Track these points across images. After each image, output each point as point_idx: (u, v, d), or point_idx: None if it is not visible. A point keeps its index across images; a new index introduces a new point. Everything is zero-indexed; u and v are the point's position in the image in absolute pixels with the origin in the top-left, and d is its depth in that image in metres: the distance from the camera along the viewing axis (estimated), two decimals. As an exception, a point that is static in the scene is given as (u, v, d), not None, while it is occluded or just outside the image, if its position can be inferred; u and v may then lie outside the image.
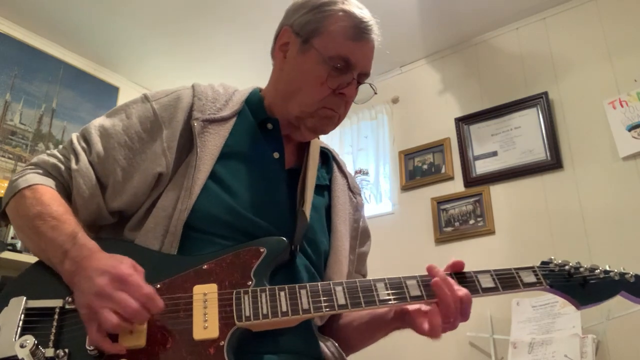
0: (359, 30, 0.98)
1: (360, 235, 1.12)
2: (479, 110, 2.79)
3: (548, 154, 2.50)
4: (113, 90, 3.18)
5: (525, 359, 2.11)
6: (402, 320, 0.93)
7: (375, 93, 1.06)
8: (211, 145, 0.93)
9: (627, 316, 1.97)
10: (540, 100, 2.59)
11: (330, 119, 1.01)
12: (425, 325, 0.86)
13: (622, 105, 2.35)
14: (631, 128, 2.30)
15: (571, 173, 2.42)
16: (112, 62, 3.14)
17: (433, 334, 0.85)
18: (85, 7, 2.69)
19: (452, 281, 0.85)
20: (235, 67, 3.09)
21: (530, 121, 2.61)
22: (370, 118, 3.19)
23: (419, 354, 2.50)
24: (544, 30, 2.72)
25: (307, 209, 0.98)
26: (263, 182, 0.97)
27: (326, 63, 0.96)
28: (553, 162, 2.46)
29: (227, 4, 2.69)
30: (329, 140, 3.04)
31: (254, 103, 1.05)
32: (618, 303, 2.01)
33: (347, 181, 1.14)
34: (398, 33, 2.87)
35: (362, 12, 1.00)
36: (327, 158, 1.14)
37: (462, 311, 0.84)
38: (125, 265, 0.76)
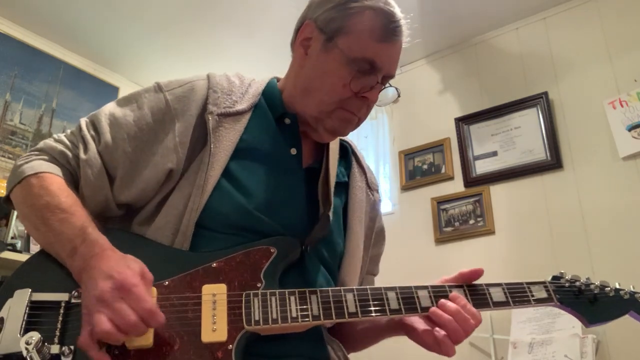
0: (387, 31, 0.92)
1: (375, 236, 1.09)
2: (479, 110, 2.79)
3: (548, 154, 2.50)
4: (113, 90, 3.17)
5: (525, 359, 2.11)
6: (404, 329, 0.93)
7: (399, 96, 1.02)
8: (226, 141, 0.90)
9: (627, 316, 1.97)
10: (540, 100, 2.59)
11: (350, 121, 0.97)
12: (431, 345, 0.86)
13: (622, 105, 2.35)
14: (631, 128, 2.30)
15: (571, 173, 2.42)
16: (112, 62, 3.13)
17: (435, 350, 0.86)
18: (85, 7, 2.69)
19: (464, 315, 0.83)
20: (236, 67, 3.08)
21: (530, 121, 2.61)
22: (370, 118, 3.18)
23: (419, 354, 2.49)
24: (544, 30, 2.72)
25: (331, 213, 0.94)
26: (279, 180, 0.93)
27: (350, 65, 0.91)
28: (553, 162, 2.46)
29: (227, 4, 2.68)
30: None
31: (272, 96, 1.00)
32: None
33: (366, 177, 1.10)
34: (398, 33, 2.86)
35: (392, 10, 0.94)
36: (346, 152, 1.10)
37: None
38: (132, 272, 0.72)
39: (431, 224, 2.74)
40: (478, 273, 0.89)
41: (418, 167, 2.93)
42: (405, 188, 2.94)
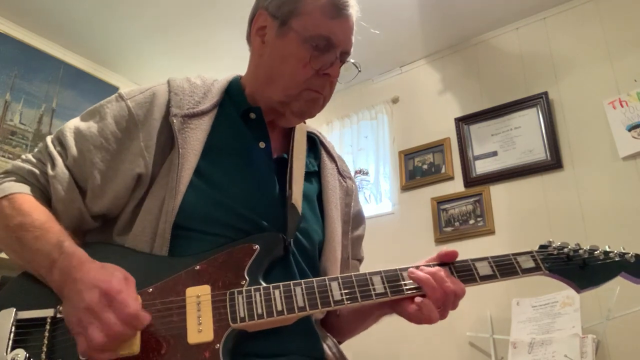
0: (336, 7, 0.95)
1: (353, 220, 1.10)
2: (479, 110, 2.79)
3: (548, 154, 2.50)
4: (113, 90, 3.13)
5: (525, 359, 2.11)
6: (391, 307, 0.91)
7: (359, 71, 1.03)
8: (193, 141, 0.90)
9: (627, 316, 1.97)
10: (540, 100, 2.59)
11: (316, 102, 0.98)
12: (414, 314, 0.85)
13: (622, 105, 2.35)
14: (631, 128, 2.30)
15: (571, 173, 2.42)
16: (112, 62, 3.13)
17: (421, 322, 0.85)
18: (85, 7, 2.69)
19: (442, 274, 0.84)
20: (236, 68, 3.08)
21: (530, 121, 2.61)
22: (370, 118, 3.19)
23: (419, 354, 2.49)
24: (544, 30, 2.72)
25: (298, 200, 0.95)
26: (251, 174, 0.94)
27: (307, 43, 0.93)
28: (553, 162, 2.46)
29: (227, 4, 2.68)
30: (329, 139, 3.04)
31: (235, 92, 1.01)
32: (618, 303, 2.01)
33: (336, 165, 1.12)
34: (398, 33, 2.86)
35: None
36: (315, 143, 1.11)
37: (454, 304, 0.84)
38: (116, 279, 0.73)
39: (431, 224, 2.74)
40: (454, 254, 0.89)
41: (418, 167, 2.93)
42: (405, 188, 2.93)
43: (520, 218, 2.50)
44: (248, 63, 1.05)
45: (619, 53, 2.44)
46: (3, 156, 2.60)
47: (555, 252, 0.89)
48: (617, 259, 0.88)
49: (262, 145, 0.98)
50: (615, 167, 2.31)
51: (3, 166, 2.59)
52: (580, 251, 0.89)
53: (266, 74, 0.98)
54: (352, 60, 1.02)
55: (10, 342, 0.73)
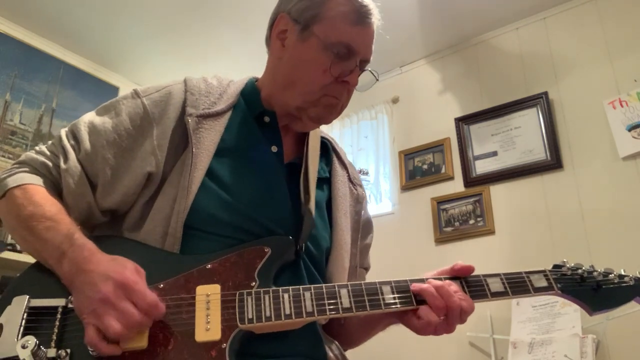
0: (359, 14, 0.95)
1: (362, 228, 1.09)
2: (479, 110, 2.79)
3: (548, 154, 2.50)
4: (113, 90, 3.17)
5: (525, 359, 2.11)
6: (398, 317, 0.91)
7: (377, 79, 1.03)
8: (207, 142, 0.90)
9: (627, 316, 1.96)
10: (540, 100, 2.60)
11: (334, 108, 0.98)
12: (417, 324, 0.85)
13: (622, 105, 2.35)
14: (631, 128, 2.30)
15: (571, 173, 2.42)
16: (112, 62, 3.13)
17: (424, 330, 0.85)
18: (85, 7, 2.69)
19: (448, 290, 0.83)
20: (236, 68, 3.09)
21: (530, 121, 2.61)
22: (370, 118, 3.19)
23: (419, 354, 2.49)
24: (544, 30, 2.72)
25: (313, 206, 0.95)
26: (262, 177, 0.94)
27: (328, 50, 0.93)
28: (553, 162, 2.46)
29: (227, 4, 2.69)
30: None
31: (250, 95, 1.01)
32: (618, 303, 2.00)
33: (347, 172, 1.11)
34: (398, 33, 2.87)
35: None
36: (327, 148, 1.11)
37: (461, 319, 0.84)
38: (129, 271, 0.74)
39: (431, 224, 2.74)
40: (470, 269, 0.89)
41: (418, 167, 2.93)
42: (405, 188, 2.94)
43: (520, 218, 2.50)
44: (266, 66, 1.04)
45: (619, 53, 2.44)
46: (3, 156, 2.60)
47: (569, 272, 0.88)
48: (631, 283, 0.87)
49: (274, 149, 0.98)
50: (615, 167, 2.31)
51: (3, 166, 2.60)
52: (595, 273, 0.88)
53: (284, 78, 0.98)
54: (370, 69, 1.01)
55: (22, 328, 0.74)
